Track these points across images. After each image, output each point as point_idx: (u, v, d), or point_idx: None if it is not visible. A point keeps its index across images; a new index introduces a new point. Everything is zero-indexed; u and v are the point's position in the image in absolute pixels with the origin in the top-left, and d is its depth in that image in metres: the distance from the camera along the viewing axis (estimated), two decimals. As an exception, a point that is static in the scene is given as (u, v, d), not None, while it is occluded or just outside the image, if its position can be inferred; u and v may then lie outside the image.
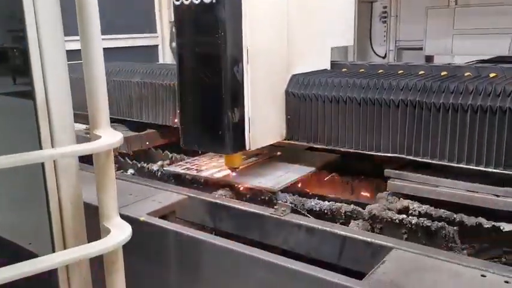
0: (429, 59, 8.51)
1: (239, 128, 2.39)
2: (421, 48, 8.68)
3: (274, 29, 2.49)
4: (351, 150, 2.45)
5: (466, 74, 2.51)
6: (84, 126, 3.87)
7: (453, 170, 2.18)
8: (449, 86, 2.16)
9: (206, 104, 2.41)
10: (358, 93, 2.37)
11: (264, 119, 2.50)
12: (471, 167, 2.10)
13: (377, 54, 9.22)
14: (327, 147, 2.55)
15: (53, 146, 1.53)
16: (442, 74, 2.54)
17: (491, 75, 2.44)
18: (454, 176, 2.18)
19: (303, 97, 2.55)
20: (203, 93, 2.40)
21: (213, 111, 2.37)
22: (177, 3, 2.34)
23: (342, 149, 2.49)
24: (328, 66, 2.98)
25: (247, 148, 2.44)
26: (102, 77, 1.49)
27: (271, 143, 2.65)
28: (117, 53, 4.46)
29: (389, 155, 2.32)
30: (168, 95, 3.25)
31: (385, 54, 9.43)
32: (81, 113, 3.86)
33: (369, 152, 2.39)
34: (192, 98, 2.45)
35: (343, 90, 2.43)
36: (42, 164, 1.54)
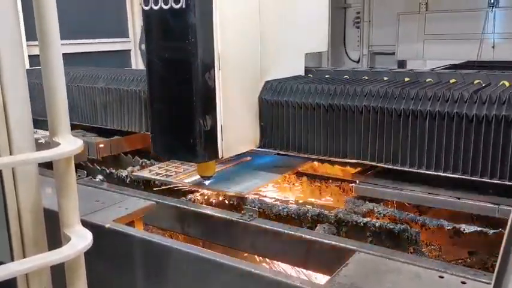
0: (402, 63, 8.64)
1: (211, 136, 2.31)
2: (393, 53, 8.81)
3: (246, 35, 2.44)
4: (320, 157, 2.44)
5: (427, 80, 2.55)
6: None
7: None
8: (410, 93, 2.17)
9: (177, 111, 2.32)
10: (325, 100, 2.36)
11: (237, 127, 2.45)
12: (430, 172, 2.12)
13: (351, 59, 9.34)
14: (298, 155, 2.52)
15: (11, 153, 1.50)
16: (406, 79, 2.58)
17: (452, 81, 2.48)
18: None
19: (275, 104, 2.51)
20: (174, 100, 2.32)
21: (184, 119, 2.29)
22: (146, 8, 2.26)
23: (312, 156, 2.47)
24: (302, 72, 2.96)
25: (219, 156, 2.38)
26: (61, 83, 1.46)
27: (245, 151, 2.61)
28: (88, 58, 4.40)
29: (353, 161, 2.33)
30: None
31: (359, 59, 9.56)
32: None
33: (335, 159, 2.39)
34: (163, 105, 2.37)
35: (311, 96, 2.41)
36: (0, 172, 1.51)
